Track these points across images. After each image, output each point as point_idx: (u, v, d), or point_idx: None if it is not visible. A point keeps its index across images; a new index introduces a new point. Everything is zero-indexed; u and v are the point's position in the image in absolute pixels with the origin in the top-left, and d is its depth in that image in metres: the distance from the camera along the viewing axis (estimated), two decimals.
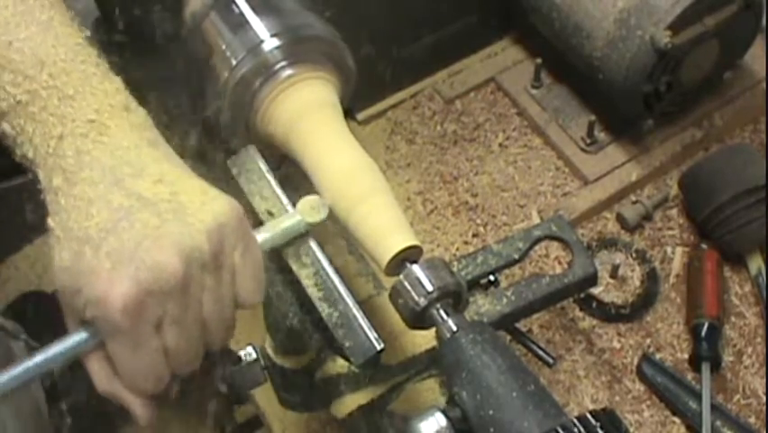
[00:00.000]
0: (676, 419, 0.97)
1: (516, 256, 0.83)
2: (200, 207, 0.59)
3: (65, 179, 0.58)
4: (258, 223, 0.73)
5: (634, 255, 1.08)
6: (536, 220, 1.11)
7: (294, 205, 0.75)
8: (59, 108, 0.59)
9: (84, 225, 0.56)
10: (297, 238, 0.72)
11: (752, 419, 0.96)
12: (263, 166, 0.78)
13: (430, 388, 0.79)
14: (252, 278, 0.62)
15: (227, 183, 0.79)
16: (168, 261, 0.56)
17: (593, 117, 1.13)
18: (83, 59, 0.61)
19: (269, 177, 0.77)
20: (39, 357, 0.58)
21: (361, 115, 1.20)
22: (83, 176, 0.57)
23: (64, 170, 0.58)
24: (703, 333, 0.99)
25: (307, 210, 0.73)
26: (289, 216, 0.73)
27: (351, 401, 0.79)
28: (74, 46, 0.62)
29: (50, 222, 0.58)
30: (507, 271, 0.93)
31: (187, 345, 0.59)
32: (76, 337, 0.58)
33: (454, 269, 0.79)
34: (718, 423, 0.94)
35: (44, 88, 0.59)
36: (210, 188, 0.61)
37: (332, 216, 0.79)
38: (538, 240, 0.85)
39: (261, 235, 0.69)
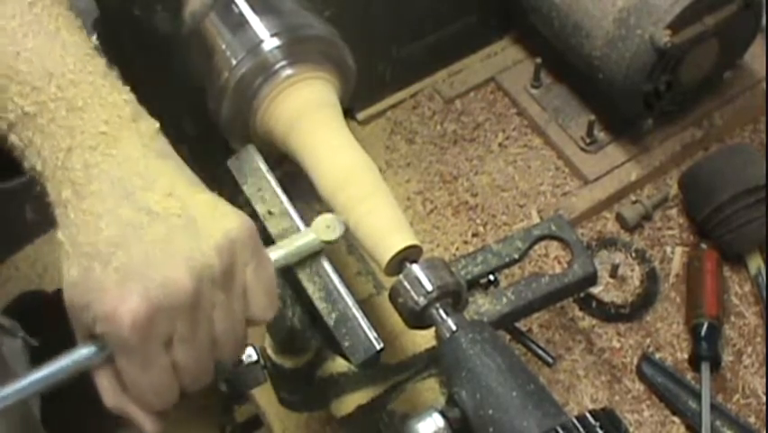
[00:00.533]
0: (676, 419, 0.97)
1: (516, 256, 0.84)
2: (211, 222, 0.58)
3: (74, 193, 0.57)
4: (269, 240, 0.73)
5: (633, 255, 1.08)
6: (536, 220, 1.11)
7: (297, 208, 0.75)
8: (68, 120, 0.58)
9: (93, 240, 0.56)
10: (311, 256, 0.72)
11: (751, 419, 0.96)
12: (263, 166, 0.78)
13: (430, 387, 0.79)
14: (265, 294, 0.62)
15: (227, 183, 0.79)
16: (178, 277, 0.55)
17: (593, 117, 1.13)
18: (91, 70, 0.61)
19: (269, 177, 0.77)
20: (45, 370, 0.57)
21: (361, 115, 1.20)
22: (92, 189, 0.57)
23: (73, 183, 0.57)
24: (703, 333, 0.99)
25: (322, 229, 0.72)
26: (304, 234, 0.72)
27: (350, 401, 0.79)
28: (82, 57, 0.61)
29: (60, 236, 0.57)
30: (506, 271, 0.93)
31: (197, 362, 0.58)
32: (84, 351, 0.57)
33: (454, 269, 0.79)
34: (718, 423, 0.94)
35: (52, 100, 0.59)
36: (221, 203, 0.60)
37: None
38: (538, 240, 0.85)
39: (275, 253, 0.69)
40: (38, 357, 0.98)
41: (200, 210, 0.58)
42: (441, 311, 0.68)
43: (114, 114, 0.60)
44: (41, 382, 0.57)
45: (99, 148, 0.58)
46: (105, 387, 0.59)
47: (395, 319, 0.73)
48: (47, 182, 0.59)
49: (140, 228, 0.56)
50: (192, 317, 0.56)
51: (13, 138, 0.60)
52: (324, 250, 0.72)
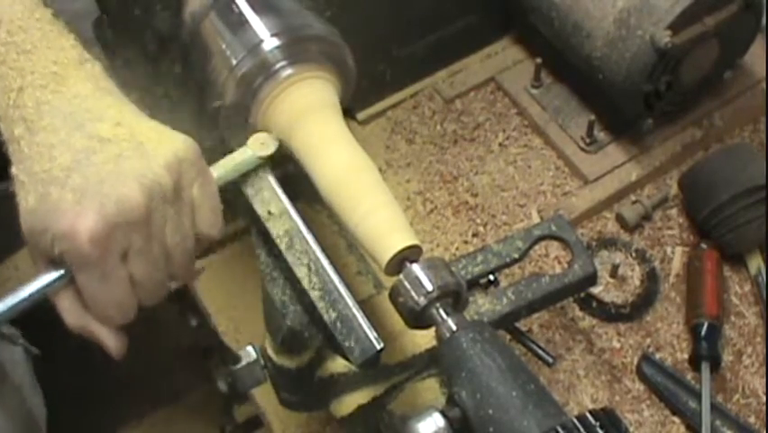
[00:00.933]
0: (676, 419, 0.97)
1: (516, 256, 0.84)
2: (159, 143, 0.62)
3: (26, 129, 0.60)
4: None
5: (633, 255, 1.08)
6: (536, 220, 1.11)
7: (297, 208, 0.75)
8: (18, 62, 0.62)
9: (48, 168, 0.59)
10: (252, 172, 0.77)
11: (751, 419, 0.96)
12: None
13: (430, 387, 0.79)
14: (211, 211, 0.66)
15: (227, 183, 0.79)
16: (131, 194, 0.59)
17: (593, 117, 1.13)
18: (39, 17, 0.64)
19: (269, 177, 0.78)
20: (9, 298, 0.60)
21: (361, 115, 1.20)
22: (44, 124, 0.60)
23: (25, 120, 0.61)
24: (703, 332, 0.99)
25: (257, 145, 0.78)
26: (241, 152, 0.77)
27: (350, 401, 0.79)
28: (30, 5, 0.64)
29: (14, 170, 0.61)
30: (506, 271, 0.93)
31: (152, 275, 0.62)
32: (44, 277, 0.60)
33: (454, 268, 0.79)
34: (718, 423, 0.94)
35: (2, 44, 0.62)
36: (167, 128, 0.65)
37: (333, 215, 0.80)
38: (538, 240, 0.85)
39: (216, 171, 0.73)
40: (40, 364, 0.98)
41: (148, 135, 0.63)
42: (441, 311, 0.68)
43: (61, 56, 0.63)
44: (6, 311, 0.60)
45: (50, 86, 0.62)
46: (67, 307, 0.62)
47: (395, 319, 0.73)
48: (0, 122, 0.62)
49: (92, 153, 0.60)
50: (146, 231, 0.60)
51: None
52: (263, 165, 0.78)
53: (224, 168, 0.75)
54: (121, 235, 0.59)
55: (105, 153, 0.60)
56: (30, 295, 0.61)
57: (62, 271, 0.60)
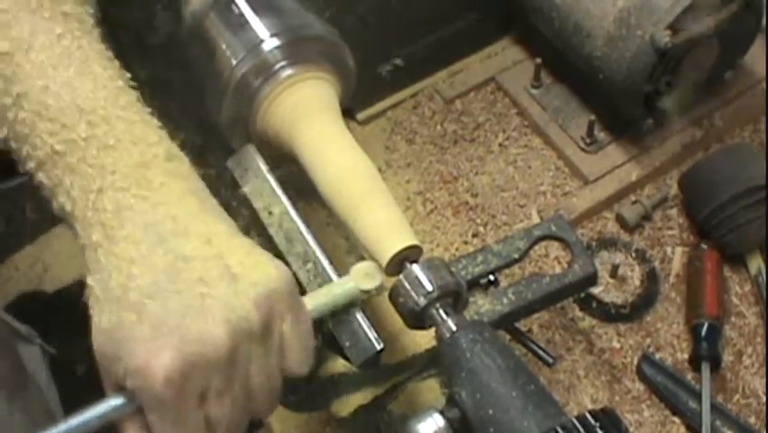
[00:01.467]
0: (676, 419, 0.97)
1: (516, 256, 0.84)
2: (250, 271, 0.56)
3: (105, 236, 0.55)
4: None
5: (633, 255, 1.08)
6: (536, 220, 1.11)
7: (297, 208, 0.75)
8: (99, 159, 0.56)
9: (125, 288, 0.53)
10: (348, 306, 0.70)
11: (752, 419, 0.96)
12: (263, 166, 0.78)
13: (430, 388, 0.79)
14: (302, 349, 0.60)
15: (227, 183, 0.79)
16: (214, 332, 0.53)
17: (593, 117, 1.13)
18: (123, 105, 0.58)
19: (269, 177, 0.78)
20: (72, 422, 0.55)
21: (361, 115, 1.20)
22: (124, 233, 0.54)
23: (104, 226, 0.55)
24: (703, 333, 0.99)
25: (361, 277, 0.69)
26: (342, 283, 0.70)
27: (351, 401, 0.79)
28: (114, 91, 0.59)
29: (90, 281, 0.55)
30: (507, 271, 0.93)
31: (231, 416, 0.56)
32: (112, 402, 0.55)
33: (454, 269, 0.79)
34: (718, 423, 0.94)
35: (83, 139, 0.56)
36: (258, 250, 0.59)
37: (333, 215, 0.80)
38: (538, 240, 0.85)
39: (312, 303, 0.66)
40: (55, 364, 0.98)
41: (237, 258, 0.56)
42: (441, 311, 0.69)
43: (147, 153, 0.57)
44: None
45: (132, 189, 0.55)
46: None
47: (395, 319, 0.73)
48: (76, 223, 0.56)
49: (175, 274, 0.54)
50: (228, 372, 0.55)
51: (41, 177, 0.57)
52: (363, 300, 0.70)
53: (319, 299, 0.67)
54: (200, 376, 0.53)
55: (188, 277, 0.54)
56: (94, 419, 0.55)
57: (131, 400, 0.55)
